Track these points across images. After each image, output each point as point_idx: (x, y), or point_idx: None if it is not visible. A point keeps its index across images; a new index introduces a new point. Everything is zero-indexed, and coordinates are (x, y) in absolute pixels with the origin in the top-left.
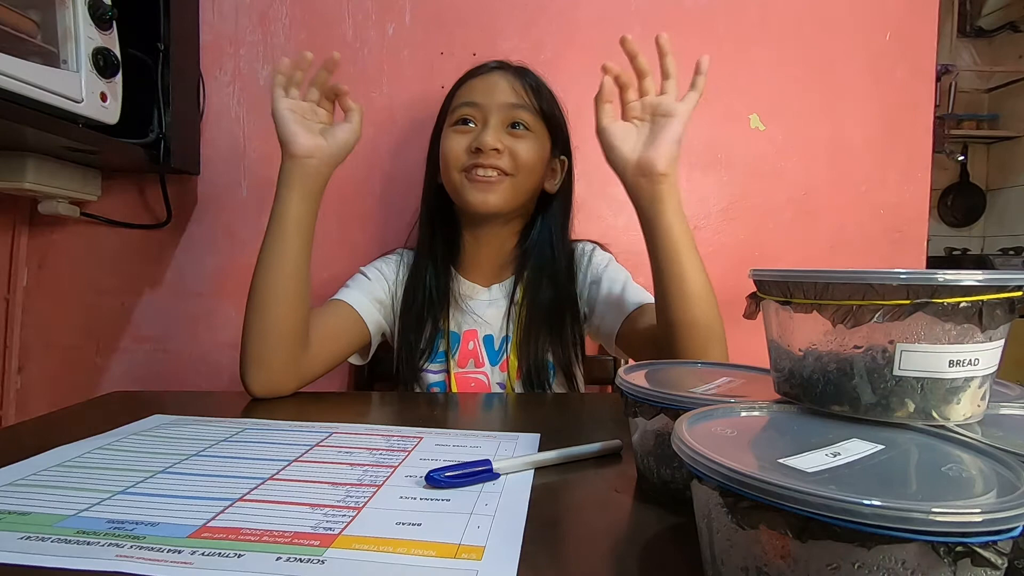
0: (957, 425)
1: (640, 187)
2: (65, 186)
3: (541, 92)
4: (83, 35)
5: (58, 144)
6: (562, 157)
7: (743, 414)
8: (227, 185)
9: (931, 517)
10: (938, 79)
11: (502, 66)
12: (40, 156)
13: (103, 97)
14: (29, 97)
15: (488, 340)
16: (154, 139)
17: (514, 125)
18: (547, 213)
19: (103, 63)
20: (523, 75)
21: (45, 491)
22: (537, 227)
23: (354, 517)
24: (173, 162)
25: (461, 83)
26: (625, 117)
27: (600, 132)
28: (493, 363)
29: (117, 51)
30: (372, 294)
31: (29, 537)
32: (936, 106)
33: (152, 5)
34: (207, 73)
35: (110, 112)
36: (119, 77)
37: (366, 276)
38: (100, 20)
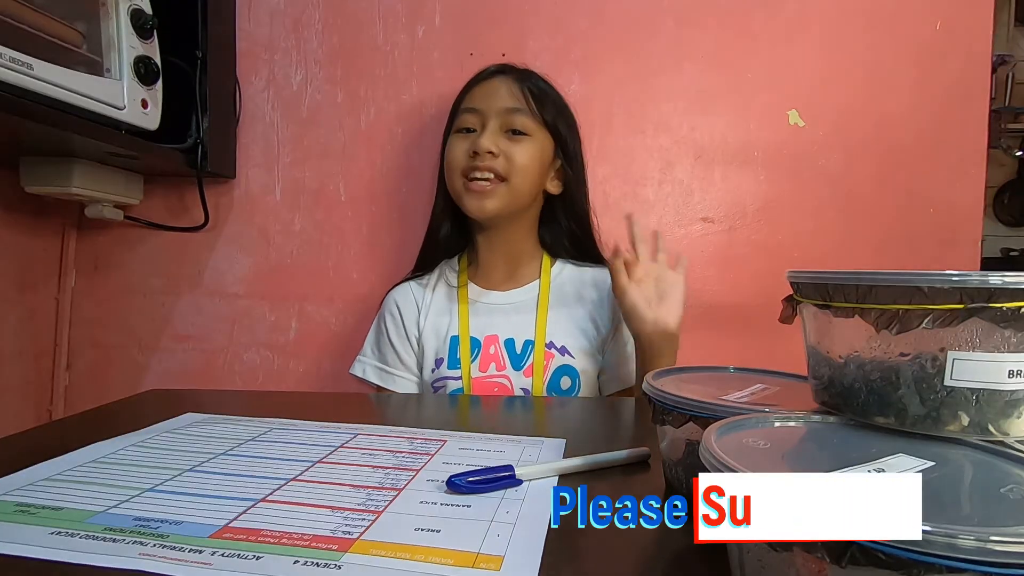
0: (1017, 441)
1: (653, 342)
2: (109, 190)
3: (542, 97)
4: (125, 44)
5: (102, 150)
6: (563, 163)
7: (777, 424)
8: (262, 188)
9: (988, 546)
10: (994, 70)
11: (504, 70)
12: (86, 162)
13: (144, 104)
14: (75, 105)
15: (509, 344)
16: (192, 144)
17: (513, 130)
18: (557, 219)
19: (144, 71)
20: (525, 79)
21: (79, 487)
22: (553, 233)
23: (373, 521)
24: (210, 166)
25: (466, 90)
26: (630, 275)
27: (620, 292)
28: (516, 367)
29: (157, 59)
30: (403, 360)
31: (60, 532)
32: (992, 99)
33: (191, 14)
34: (243, 79)
35: (150, 118)
36: (159, 84)
37: (391, 343)
38: (141, 29)
